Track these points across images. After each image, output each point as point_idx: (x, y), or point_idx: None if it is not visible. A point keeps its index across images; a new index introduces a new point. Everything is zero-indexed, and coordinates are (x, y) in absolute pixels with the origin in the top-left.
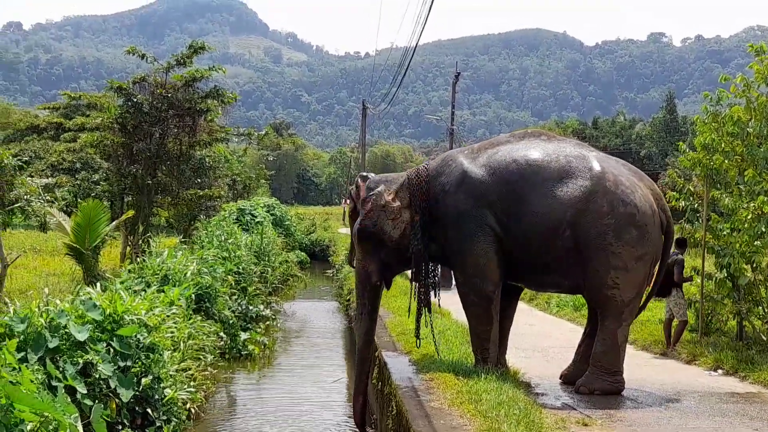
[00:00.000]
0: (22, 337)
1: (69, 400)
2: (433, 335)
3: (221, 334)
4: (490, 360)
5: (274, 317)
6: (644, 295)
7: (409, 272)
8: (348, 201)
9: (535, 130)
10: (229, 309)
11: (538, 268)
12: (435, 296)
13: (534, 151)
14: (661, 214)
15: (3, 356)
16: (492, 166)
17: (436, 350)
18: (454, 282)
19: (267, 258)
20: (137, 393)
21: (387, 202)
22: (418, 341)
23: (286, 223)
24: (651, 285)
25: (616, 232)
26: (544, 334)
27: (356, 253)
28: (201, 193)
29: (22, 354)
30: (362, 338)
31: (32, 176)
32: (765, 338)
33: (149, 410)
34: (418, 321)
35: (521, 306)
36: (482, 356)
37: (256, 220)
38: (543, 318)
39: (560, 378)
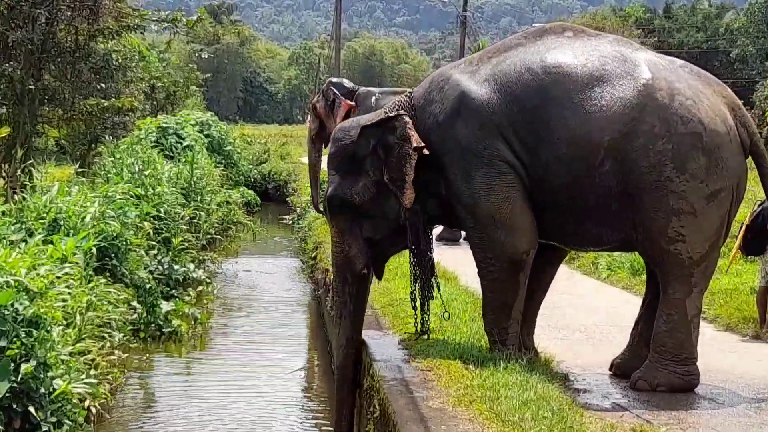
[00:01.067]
0: None
1: None
2: (421, 316)
3: (134, 303)
4: (511, 342)
5: (209, 281)
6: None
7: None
8: (312, 117)
9: (557, 24)
10: (145, 269)
11: (571, 218)
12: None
13: (555, 53)
14: (740, 131)
15: None
16: (498, 80)
17: (416, 326)
18: (464, 235)
19: (200, 198)
20: (15, 385)
21: None
22: (420, 334)
23: (228, 148)
24: (740, 237)
25: (675, 161)
26: (588, 307)
27: (331, 230)
28: (105, 104)
29: None
30: (342, 351)
31: None
32: None
33: (31, 408)
34: (423, 310)
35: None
36: (501, 337)
37: (185, 143)
38: (587, 284)
39: (610, 368)
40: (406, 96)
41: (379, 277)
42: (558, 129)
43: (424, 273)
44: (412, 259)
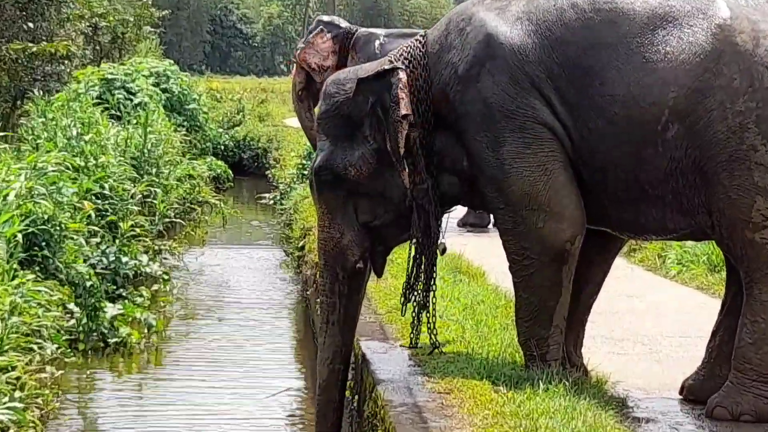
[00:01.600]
0: None
1: None
2: (431, 325)
3: (71, 306)
4: (553, 357)
5: (167, 277)
6: None
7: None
8: (298, 68)
9: None
10: (85, 262)
11: (626, 199)
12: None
13: None
14: None
15: None
16: (534, 20)
17: (429, 338)
18: (492, 220)
19: (155, 171)
20: None
21: None
22: (415, 341)
23: (191, 107)
24: None
25: (761, 124)
26: (652, 313)
27: (318, 212)
28: (34, 49)
29: None
30: (327, 367)
31: None
32: None
33: None
34: (418, 317)
35: (614, 263)
36: (540, 350)
37: (136, 100)
38: (652, 284)
39: (681, 391)
40: (417, 40)
41: (379, 274)
42: (609, 83)
43: (429, 270)
44: (413, 253)
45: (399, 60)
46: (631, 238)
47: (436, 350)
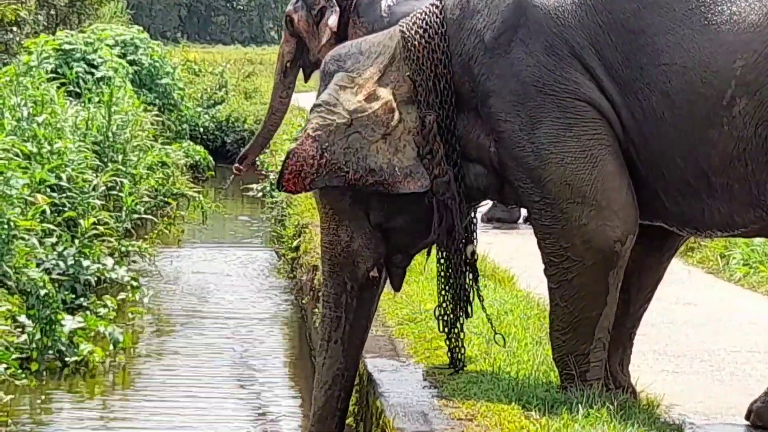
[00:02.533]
0: None
1: None
2: (454, 340)
3: (22, 318)
4: (594, 376)
5: (135, 284)
6: None
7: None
8: (287, 35)
9: None
10: (38, 266)
11: (686, 188)
12: (473, 282)
13: None
14: None
15: None
16: None
17: (449, 354)
18: (524, 213)
19: (121, 158)
20: None
21: (360, 109)
22: (454, 366)
23: (164, 82)
24: None
25: None
26: (714, 323)
27: (321, 213)
28: None
29: None
30: (325, 394)
31: None
32: None
33: None
34: (450, 332)
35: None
36: (580, 368)
37: (98, 74)
38: (713, 289)
39: (747, 416)
40: (433, 5)
41: (396, 287)
42: (665, 51)
43: (458, 275)
44: (439, 255)
45: (412, 29)
46: (692, 235)
47: (458, 369)
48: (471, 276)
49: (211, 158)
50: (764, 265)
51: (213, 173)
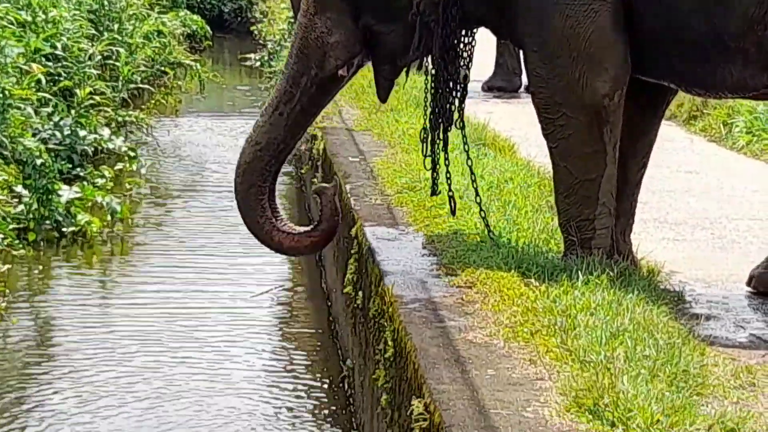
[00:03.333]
0: None
1: None
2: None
3: (18, 188)
4: (599, 243)
5: (133, 154)
6: None
7: None
8: None
9: None
10: (34, 136)
11: (701, 50)
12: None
13: None
14: None
15: None
16: None
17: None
18: (524, 82)
19: (117, 26)
20: None
21: None
22: (434, 191)
23: None
24: None
25: None
26: (716, 191)
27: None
28: None
29: None
30: (252, 149)
31: None
32: None
33: None
34: (433, 160)
35: (669, 132)
36: (583, 234)
37: None
38: (716, 157)
39: (748, 282)
40: None
41: (382, 98)
42: None
43: (444, 94)
44: (429, 71)
45: None
46: (699, 95)
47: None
48: (458, 96)
49: (208, 28)
50: (767, 133)
51: (210, 43)
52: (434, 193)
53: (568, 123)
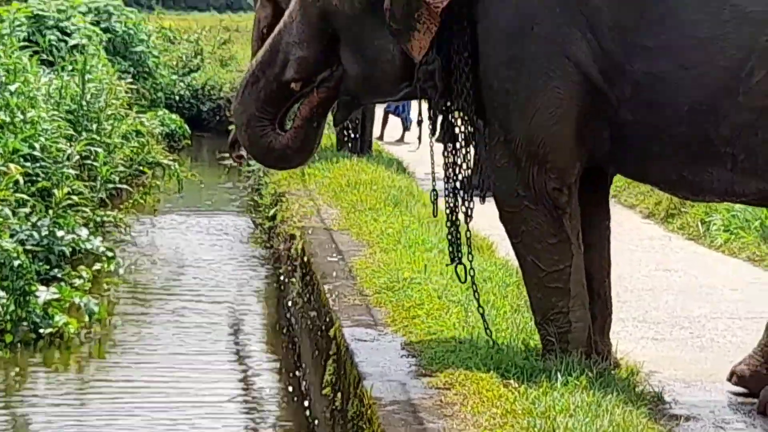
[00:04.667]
0: None
1: None
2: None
3: None
4: (575, 339)
5: (111, 254)
6: None
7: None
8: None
9: None
10: (12, 236)
11: (691, 155)
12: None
13: None
14: None
15: None
16: None
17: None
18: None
19: (96, 127)
20: None
21: None
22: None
23: (138, 50)
24: None
25: None
26: (695, 290)
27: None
28: None
29: None
30: (246, 131)
31: None
32: None
33: None
34: (450, 229)
35: (647, 230)
36: (558, 329)
37: (72, 42)
38: (694, 255)
39: (729, 378)
40: None
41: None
42: (688, 23)
43: (451, 161)
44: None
45: None
46: (686, 199)
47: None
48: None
49: (186, 127)
50: (745, 231)
51: (189, 142)
52: (454, 261)
53: (530, 215)
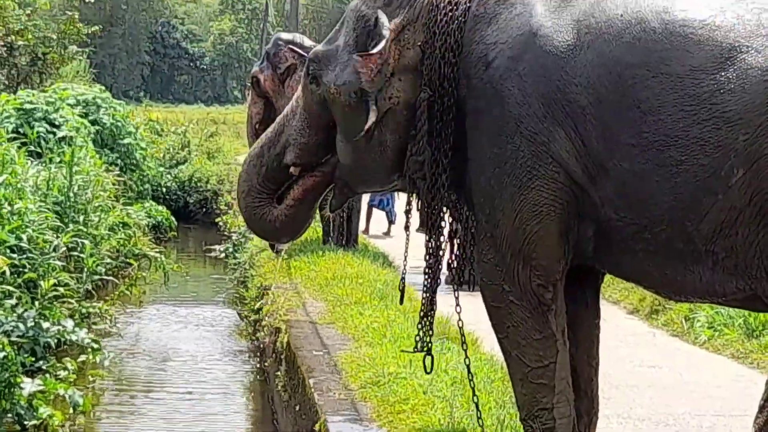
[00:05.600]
0: None
1: None
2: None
3: None
4: None
5: (96, 346)
6: None
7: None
8: (255, 95)
9: None
10: None
11: (670, 253)
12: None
13: (689, 0)
14: None
15: None
16: (593, 29)
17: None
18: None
19: (83, 218)
20: None
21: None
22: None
23: (126, 142)
24: None
25: None
26: (679, 388)
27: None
28: None
29: None
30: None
31: None
32: None
33: None
34: (423, 319)
35: (631, 326)
36: (543, 426)
37: (60, 134)
38: (679, 352)
39: None
40: None
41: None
42: (668, 121)
43: (432, 259)
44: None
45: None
46: (667, 298)
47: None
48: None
49: (173, 219)
50: (728, 329)
51: (175, 233)
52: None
53: (515, 311)
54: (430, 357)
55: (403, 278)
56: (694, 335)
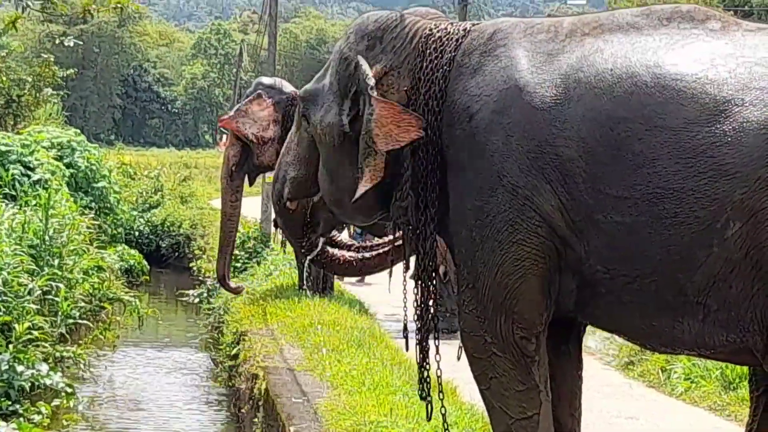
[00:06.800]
0: None
1: None
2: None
3: None
4: None
5: (70, 390)
6: None
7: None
8: (223, 139)
9: (697, 7)
10: None
11: (661, 305)
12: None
13: (684, 55)
14: None
15: None
16: (582, 83)
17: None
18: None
19: (57, 262)
20: None
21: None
22: (428, 409)
23: (100, 185)
24: None
25: None
26: None
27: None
28: None
29: None
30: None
31: None
32: None
33: None
34: (421, 366)
35: (607, 377)
36: None
37: (34, 177)
38: (655, 403)
39: None
40: (464, 29)
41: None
42: (663, 174)
43: (422, 300)
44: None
45: (431, 47)
46: (655, 351)
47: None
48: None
49: (145, 262)
50: (705, 380)
51: (148, 277)
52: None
53: (498, 362)
54: (429, 404)
55: (405, 326)
56: (670, 386)
